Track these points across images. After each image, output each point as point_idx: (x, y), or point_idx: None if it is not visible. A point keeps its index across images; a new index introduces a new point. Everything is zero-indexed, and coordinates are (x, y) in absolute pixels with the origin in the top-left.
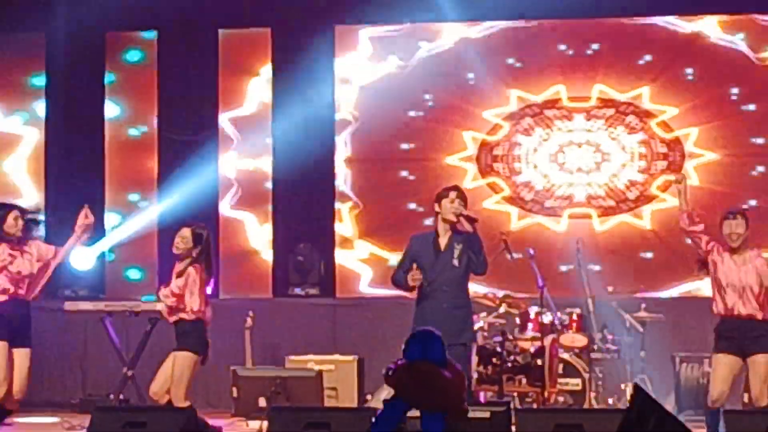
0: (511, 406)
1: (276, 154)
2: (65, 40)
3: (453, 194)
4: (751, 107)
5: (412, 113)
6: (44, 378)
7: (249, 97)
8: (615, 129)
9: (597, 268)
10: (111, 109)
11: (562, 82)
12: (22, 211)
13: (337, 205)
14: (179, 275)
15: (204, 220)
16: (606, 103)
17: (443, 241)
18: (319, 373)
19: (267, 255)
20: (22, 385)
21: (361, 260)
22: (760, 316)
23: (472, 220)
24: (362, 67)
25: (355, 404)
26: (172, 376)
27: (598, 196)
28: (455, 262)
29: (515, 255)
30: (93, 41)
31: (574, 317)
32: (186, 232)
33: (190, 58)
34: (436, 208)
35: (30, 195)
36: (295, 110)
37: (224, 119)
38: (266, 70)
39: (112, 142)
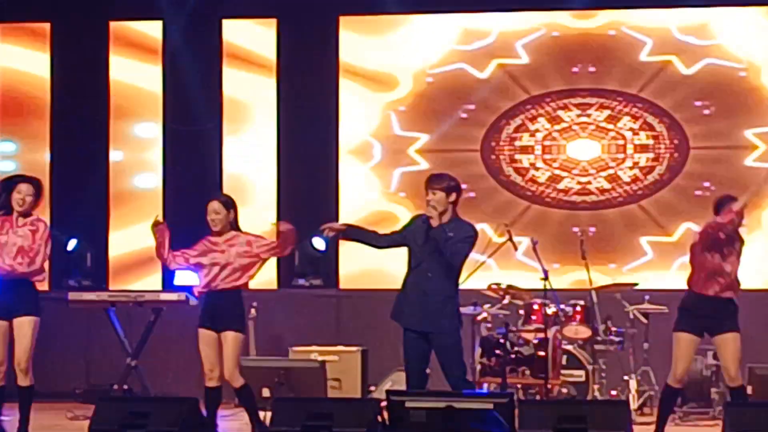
0: (515, 397)
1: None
2: None
3: (426, 185)
4: None
5: None
6: (48, 368)
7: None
8: None
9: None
10: None
11: None
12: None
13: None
14: (232, 244)
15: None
16: None
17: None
18: (323, 364)
19: None
20: (20, 355)
21: None
22: (726, 295)
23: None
24: None
25: (358, 395)
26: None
27: None
28: (441, 248)
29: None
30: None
31: (578, 309)
32: (216, 204)
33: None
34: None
35: None
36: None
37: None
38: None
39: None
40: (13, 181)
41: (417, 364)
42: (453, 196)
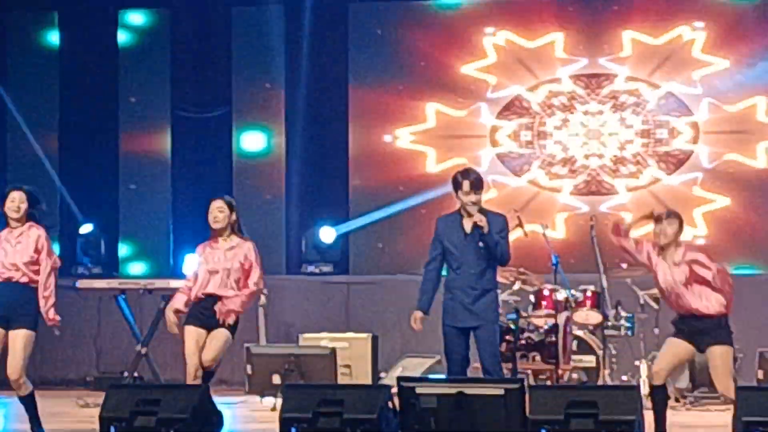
0: (525, 383)
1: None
2: None
3: (466, 185)
4: None
5: None
6: (58, 356)
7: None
8: None
9: None
10: None
11: None
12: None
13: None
14: (231, 247)
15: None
16: None
17: (468, 224)
18: (333, 350)
19: (280, 233)
20: (13, 366)
21: None
22: (707, 311)
23: (480, 228)
24: None
25: (369, 381)
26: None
27: None
28: (481, 244)
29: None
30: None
31: (588, 294)
32: (220, 202)
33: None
34: (456, 195)
35: None
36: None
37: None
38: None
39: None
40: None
41: (460, 357)
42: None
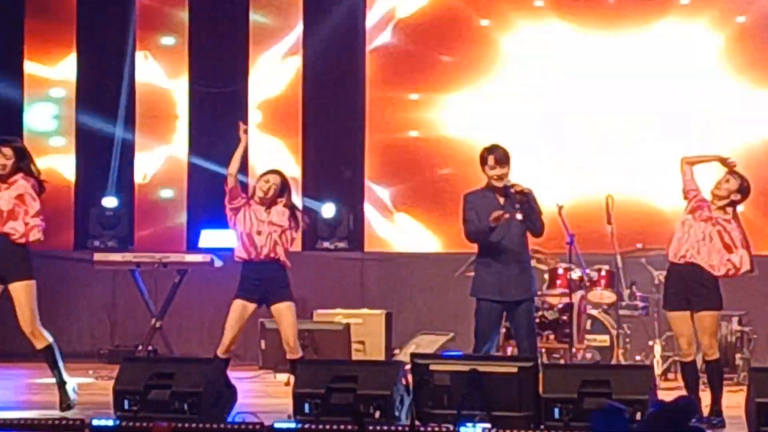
0: (539, 361)
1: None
2: None
3: (491, 159)
4: None
5: None
6: (73, 329)
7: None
8: None
9: None
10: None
11: None
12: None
13: None
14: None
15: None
16: None
17: (501, 198)
18: (347, 326)
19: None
20: (24, 319)
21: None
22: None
23: (522, 195)
24: None
25: (382, 358)
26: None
27: None
28: (519, 216)
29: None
30: None
31: (603, 273)
32: (276, 177)
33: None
34: (483, 170)
35: None
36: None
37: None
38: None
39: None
40: None
41: (492, 333)
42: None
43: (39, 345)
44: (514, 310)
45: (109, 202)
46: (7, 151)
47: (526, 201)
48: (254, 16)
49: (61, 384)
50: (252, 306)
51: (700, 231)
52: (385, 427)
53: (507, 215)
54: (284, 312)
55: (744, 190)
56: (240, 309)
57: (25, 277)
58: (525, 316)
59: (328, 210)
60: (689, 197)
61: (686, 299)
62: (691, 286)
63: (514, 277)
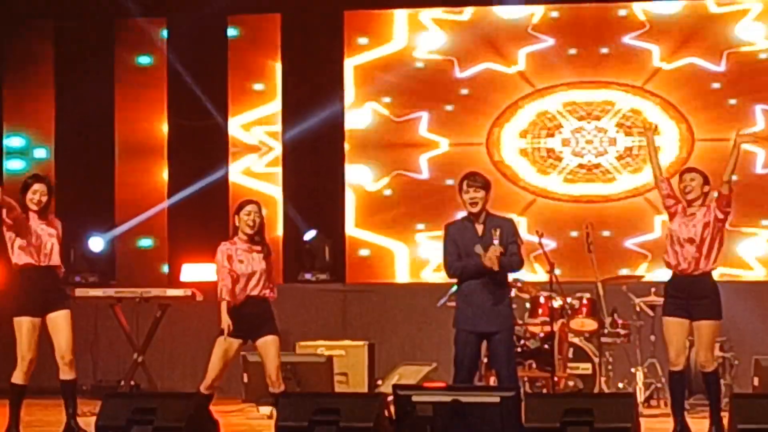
0: (521, 391)
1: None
2: None
3: (464, 184)
4: None
5: None
6: (54, 364)
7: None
8: None
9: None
10: None
11: None
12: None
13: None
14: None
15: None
16: None
17: (479, 228)
18: (330, 358)
19: (276, 241)
20: (66, 346)
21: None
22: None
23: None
24: None
25: (365, 389)
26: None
27: None
28: (496, 242)
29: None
30: None
31: (584, 301)
32: (256, 207)
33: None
34: (460, 197)
35: None
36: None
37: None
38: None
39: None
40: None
41: (472, 363)
42: (489, 194)
43: (70, 375)
44: (490, 340)
45: (95, 244)
46: (43, 187)
47: (503, 225)
48: None
49: (75, 415)
50: (237, 342)
51: (689, 234)
52: None
53: (500, 251)
54: (269, 345)
55: (707, 178)
56: (225, 345)
57: (66, 306)
58: (502, 345)
59: (309, 234)
60: (667, 205)
61: (686, 308)
62: (692, 296)
63: (488, 309)
